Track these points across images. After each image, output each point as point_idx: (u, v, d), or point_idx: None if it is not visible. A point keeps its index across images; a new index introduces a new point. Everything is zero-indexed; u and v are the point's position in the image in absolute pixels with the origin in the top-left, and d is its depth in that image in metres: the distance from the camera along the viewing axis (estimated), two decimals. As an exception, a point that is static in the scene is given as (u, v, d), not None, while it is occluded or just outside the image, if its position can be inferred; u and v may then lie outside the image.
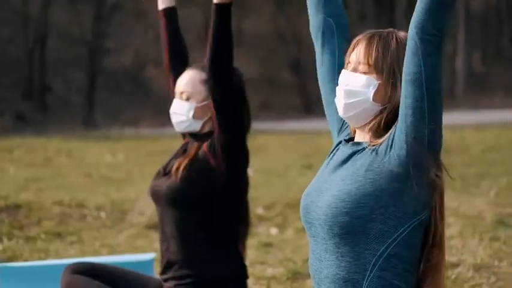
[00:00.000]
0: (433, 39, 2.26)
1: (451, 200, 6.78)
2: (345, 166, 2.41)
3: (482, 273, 4.86)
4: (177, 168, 3.48)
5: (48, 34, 29.67)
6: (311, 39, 2.65)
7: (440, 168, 2.34)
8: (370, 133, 2.43)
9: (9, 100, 26.80)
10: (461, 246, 5.45)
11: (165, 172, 3.55)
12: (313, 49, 2.67)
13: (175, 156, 3.61)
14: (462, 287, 4.67)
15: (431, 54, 2.26)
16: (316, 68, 2.67)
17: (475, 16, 36.46)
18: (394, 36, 2.43)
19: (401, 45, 2.41)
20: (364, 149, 2.41)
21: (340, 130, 2.61)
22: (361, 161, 2.38)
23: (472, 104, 26.67)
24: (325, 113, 2.65)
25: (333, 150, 2.55)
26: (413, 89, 2.28)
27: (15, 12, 29.62)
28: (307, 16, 2.69)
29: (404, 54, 2.36)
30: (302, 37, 31.10)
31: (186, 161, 3.48)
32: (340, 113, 2.45)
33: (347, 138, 2.53)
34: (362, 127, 2.46)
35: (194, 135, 3.60)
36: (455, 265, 4.96)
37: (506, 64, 34.87)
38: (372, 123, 2.43)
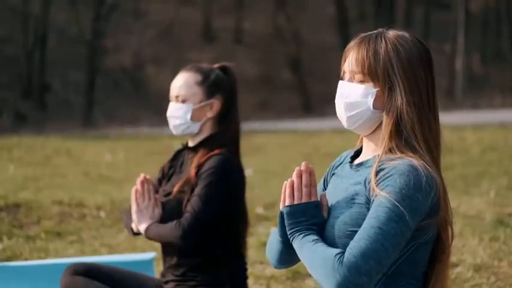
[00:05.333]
0: None
1: (451, 200, 6.73)
2: (347, 187, 2.40)
3: (482, 273, 4.86)
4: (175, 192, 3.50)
5: (47, 33, 29.64)
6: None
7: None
8: (376, 145, 2.40)
9: (8, 99, 26.78)
10: (461, 246, 5.45)
11: (165, 194, 3.56)
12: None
13: (173, 174, 3.60)
14: (462, 287, 4.67)
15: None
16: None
17: (474, 17, 36.45)
18: (383, 37, 2.38)
19: (391, 45, 2.35)
20: (362, 169, 2.40)
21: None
22: (359, 186, 2.36)
23: (472, 104, 26.66)
24: None
25: (339, 164, 2.54)
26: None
27: (14, 11, 29.60)
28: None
29: (396, 55, 2.33)
30: (301, 36, 31.04)
31: (178, 186, 3.50)
32: (345, 125, 2.43)
33: (352, 154, 2.50)
34: (370, 135, 2.43)
35: (190, 147, 3.58)
36: (455, 265, 4.96)
37: (506, 65, 34.88)
38: (377, 131, 2.40)
